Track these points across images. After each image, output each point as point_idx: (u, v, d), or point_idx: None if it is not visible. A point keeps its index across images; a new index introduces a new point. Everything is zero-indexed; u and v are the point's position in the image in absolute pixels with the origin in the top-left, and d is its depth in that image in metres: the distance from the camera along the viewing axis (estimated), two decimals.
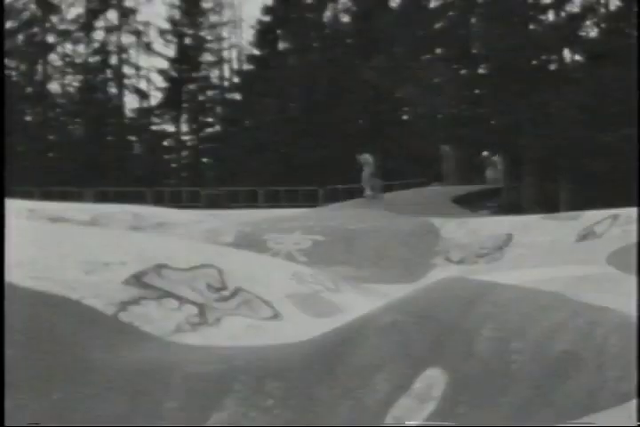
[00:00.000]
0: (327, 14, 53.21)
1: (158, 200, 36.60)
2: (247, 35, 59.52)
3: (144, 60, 57.69)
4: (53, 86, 55.39)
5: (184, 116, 55.74)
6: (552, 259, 10.09)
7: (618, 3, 36.61)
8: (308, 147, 45.97)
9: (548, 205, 32.78)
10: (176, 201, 36.37)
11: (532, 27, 37.60)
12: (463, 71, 40.22)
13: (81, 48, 55.55)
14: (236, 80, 57.09)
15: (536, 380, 6.47)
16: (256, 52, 54.00)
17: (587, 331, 6.75)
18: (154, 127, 56.47)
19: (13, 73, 53.31)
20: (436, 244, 21.72)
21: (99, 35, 55.90)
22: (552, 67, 38.65)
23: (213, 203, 34.87)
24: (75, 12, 55.25)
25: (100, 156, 50.34)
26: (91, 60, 55.50)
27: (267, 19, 52.60)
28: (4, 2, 51.77)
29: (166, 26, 55.23)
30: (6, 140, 41.17)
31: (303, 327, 10.22)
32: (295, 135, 46.97)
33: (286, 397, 7.81)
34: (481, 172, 39.84)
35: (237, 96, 55.96)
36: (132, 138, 56.57)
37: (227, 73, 57.45)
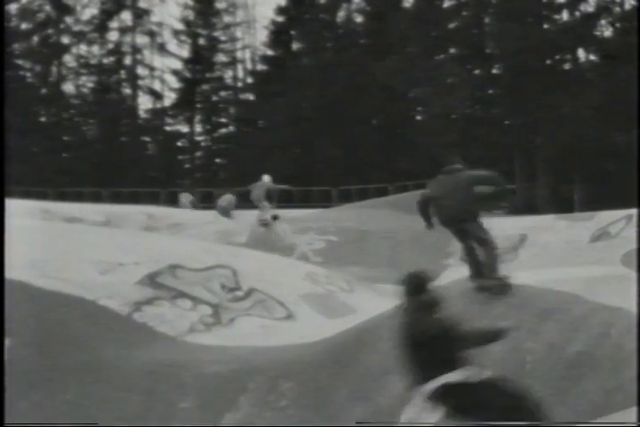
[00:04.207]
0: (341, 14, 53.19)
1: (172, 201, 36.65)
2: (261, 35, 59.79)
3: (158, 61, 58.06)
4: (68, 87, 55.60)
5: (198, 117, 55.82)
6: (566, 259, 10.04)
7: (633, 2, 36.48)
8: (321, 147, 45.97)
9: (563, 206, 32.68)
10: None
11: (546, 26, 37.48)
12: (477, 71, 40.14)
13: (95, 49, 55.74)
14: (249, 80, 57.15)
15: (551, 380, 6.45)
16: (270, 52, 54.04)
17: (601, 331, 6.73)
18: (168, 128, 56.59)
19: (28, 74, 53.52)
20: (450, 244, 21.67)
21: (113, 36, 56.10)
22: (566, 67, 38.52)
23: None
24: (89, 13, 55.49)
25: (114, 156, 50.50)
26: (105, 60, 55.67)
27: (280, 19, 52.62)
28: (20, 4, 51.98)
29: (180, 26, 55.37)
30: (21, 140, 41.31)
31: (317, 328, 10.23)
32: (309, 136, 46.97)
33: (300, 397, 7.82)
34: None
35: (251, 96, 56.01)
36: (146, 138, 56.70)
37: (240, 73, 57.52)
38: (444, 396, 5.96)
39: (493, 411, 5.60)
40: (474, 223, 9.39)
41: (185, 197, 31.57)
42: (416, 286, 6.90)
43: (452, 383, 5.88)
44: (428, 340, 6.28)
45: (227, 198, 28.55)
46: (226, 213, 27.47)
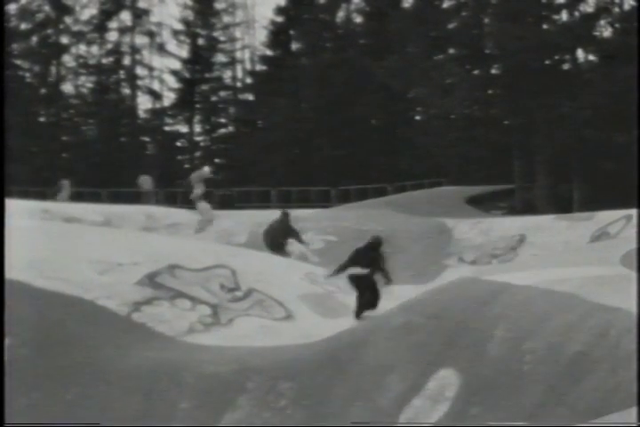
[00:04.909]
0: (340, 15, 53.15)
1: (171, 201, 36.62)
2: (260, 35, 59.57)
3: (157, 61, 57.78)
4: (67, 87, 55.53)
5: (197, 117, 55.77)
6: (565, 259, 10.04)
7: (632, 2, 36.44)
8: (320, 147, 45.95)
9: (562, 206, 32.65)
10: (189, 202, 36.39)
11: (545, 27, 37.44)
12: (476, 71, 40.10)
13: (94, 49, 55.65)
14: (248, 81, 57.11)
15: (550, 381, 6.45)
16: (269, 52, 53.98)
17: (600, 331, 6.72)
18: (167, 128, 56.52)
19: (27, 74, 53.47)
20: (449, 244, 21.69)
21: (112, 36, 56.04)
22: (565, 67, 38.48)
23: (226, 203, 34.87)
24: (88, 13, 55.40)
25: (113, 156, 50.45)
26: (104, 61, 55.61)
27: (279, 19, 52.55)
28: (19, 4, 51.95)
29: (179, 27, 55.31)
30: (20, 140, 41.26)
31: (316, 328, 10.23)
32: (308, 136, 46.95)
33: (299, 397, 7.82)
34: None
35: (250, 97, 55.97)
36: (146, 139, 56.65)
37: (239, 74, 57.47)
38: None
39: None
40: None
41: (145, 181, 33.07)
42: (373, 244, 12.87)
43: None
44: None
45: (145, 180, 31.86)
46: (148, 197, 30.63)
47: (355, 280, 12.08)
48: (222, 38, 56.39)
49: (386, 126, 46.75)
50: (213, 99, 55.84)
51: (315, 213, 26.90)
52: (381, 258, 12.58)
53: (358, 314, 11.45)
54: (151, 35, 56.42)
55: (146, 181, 33.10)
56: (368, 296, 11.84)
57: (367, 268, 12.17)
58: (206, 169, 28.01)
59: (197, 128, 56.55)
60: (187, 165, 56.40)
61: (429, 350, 7.48)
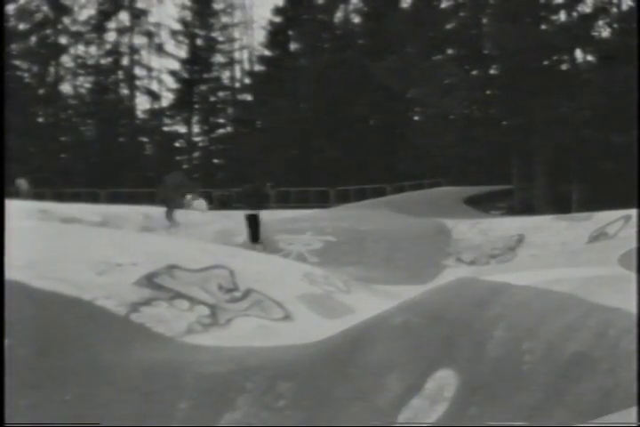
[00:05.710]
0: (338, 15, 53.27)
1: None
2: (258, 36, 59.82)
3: (155, 62, 58.21)
4: (65, 88, 55.74)
5: (195, 118, 55.86)
6: (564, 260, 10.04)
7: (630, 3, 36.50)
8: (319, 148, 45.99)
9: (561, 206, 32.70)
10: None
11: (543, 27, 37.52)
12: (475, 72, 40.17)
13: (93, 49, 55.85)
14: (247, 81, 57.23)
15: (548, 381, 6.45)
16: (267, 53, 54.10)
17: (599, 332, 6.72)
18: (165, 128, 56.65)
19: (26, 75, 53.55)
20: (448, 245, 21.70)
21: (110, 36, 56.25)
22: (564, 67, 38.56)
23: (225, 204, 34.88)
24: (87, 13, 55.58)
25: (111, 157, 50.50)
26: (102, 61, 55.77)
27: (278, 20, 52.68)
28: (18, 4, 51.96)
29: (178, 27, 55.45)
30: (19, 141, 41.30)
31: (314, 328, 10.22)
32: (306, 136, 47.00)
33: (298, 397, 7.81)
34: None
35: (249, 97, 56.09)
36: (144, 139, 56.77)
37: (238, 74, 57.65)
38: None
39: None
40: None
41: (22, 184, 34.32)
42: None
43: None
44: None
45: (20, 183, 32.97)
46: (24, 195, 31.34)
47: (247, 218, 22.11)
48: (221, 39, 56.53)
49: (384, 127, 46.81)
50: (212, 99, 55.98)
51: (313, 214, 26.94)
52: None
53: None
54: (149, 35, 56.57)
55: (22, 185, 34.52)
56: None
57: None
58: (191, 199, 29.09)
59: (196, 128, 56.70)
60: (185, 166, 56.47)
61: (428, 350, 7.48)
